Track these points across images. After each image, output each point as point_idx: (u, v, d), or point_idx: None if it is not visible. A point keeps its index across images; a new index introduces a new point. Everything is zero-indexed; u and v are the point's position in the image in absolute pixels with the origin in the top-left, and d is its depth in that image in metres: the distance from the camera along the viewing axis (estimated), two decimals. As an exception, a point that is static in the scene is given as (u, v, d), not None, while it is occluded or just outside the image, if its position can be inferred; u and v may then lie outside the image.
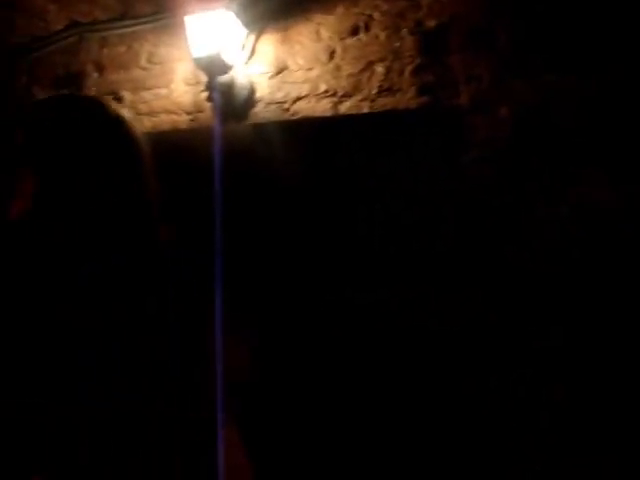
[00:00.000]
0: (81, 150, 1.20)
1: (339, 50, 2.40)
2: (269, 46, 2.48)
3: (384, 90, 2.33)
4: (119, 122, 1.32)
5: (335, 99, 2.37)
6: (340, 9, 2.42)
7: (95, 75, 2.66)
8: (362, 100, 2.35)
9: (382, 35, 2.36)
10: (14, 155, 1.22)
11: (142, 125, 2.55)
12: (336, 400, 2.14)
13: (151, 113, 2.57)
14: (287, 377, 2.19)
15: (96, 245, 1.17)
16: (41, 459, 1.13)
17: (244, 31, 2.46)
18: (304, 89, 2.41)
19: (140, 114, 2.55)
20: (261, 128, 2.43)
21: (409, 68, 2.32)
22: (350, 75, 2.37)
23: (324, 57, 2.41)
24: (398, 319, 2.15)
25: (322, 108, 2.38)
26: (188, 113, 2.54)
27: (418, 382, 2.09)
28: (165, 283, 1.20)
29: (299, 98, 2.42)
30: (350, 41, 2.39)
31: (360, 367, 2.12)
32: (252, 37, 2.48)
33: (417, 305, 2.15)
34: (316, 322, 2.20)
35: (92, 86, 2.64)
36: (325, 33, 2.42)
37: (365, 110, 2.33)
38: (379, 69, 2.34)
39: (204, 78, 2.47)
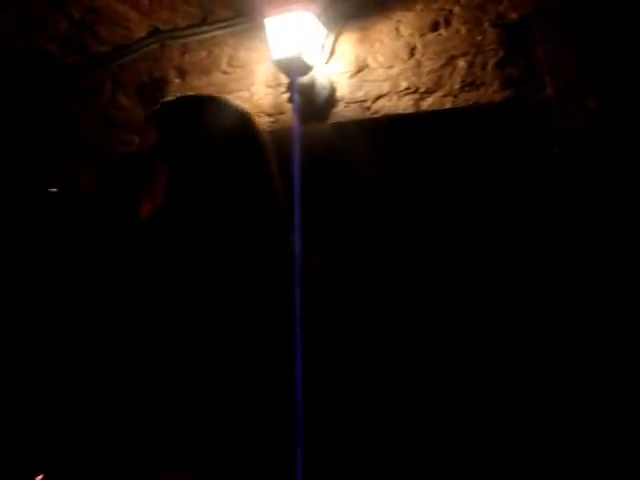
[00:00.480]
0: (214, 148, 1.21)
1: (419, 46, 2.39)
2: (348, 45, 2.49)
3: (467, 85, 2.31)
4: (248, 120, 1.32)
5: (417, 96, 2.37)
6: (419, 5, 2.41)
7: (177, 81, 2.72)
8: (444, 96, 2.33)
9: (463, 29, 2.34)
10: (146, 155, 1.23)
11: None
12: (396, 402, 2.14)
13: (233, 116, 2.61)
14: (346, 380, 2.20)
15: (223, 243, 1.18)
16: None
17: (323, 31, 2.47)
18: (385, 87, 2.42)
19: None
20: (342, 127, 2.44)
21: (492, 62, 2.29)
22: (431, 71, 2.36)
23: (404, 54, 2.40)
24: (463, 319, 2.14)
25: (404, 105, 2.38)
26: (269, 115, 2.58)
27: (475, 382, 2.08)
28: (286, 282, 1.21)
29: (380, 96, 2.42)
30: (430, 37, 2.38)
31: (423, 368, 2.13)
32: (331, 37, 2.50)
33: (482, 305, 2.14)
34: (378, 323, 2.21)
35: (175, 92, 2.70)
36: (405, 30, 2.41)
37: (448, 106, 2.32)
38: (461, 64, 2.32)
39: (285, 80, 2.51)
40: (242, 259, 1.15)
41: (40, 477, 1.10)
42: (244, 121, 1.29)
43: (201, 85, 2.67)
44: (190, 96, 1.37)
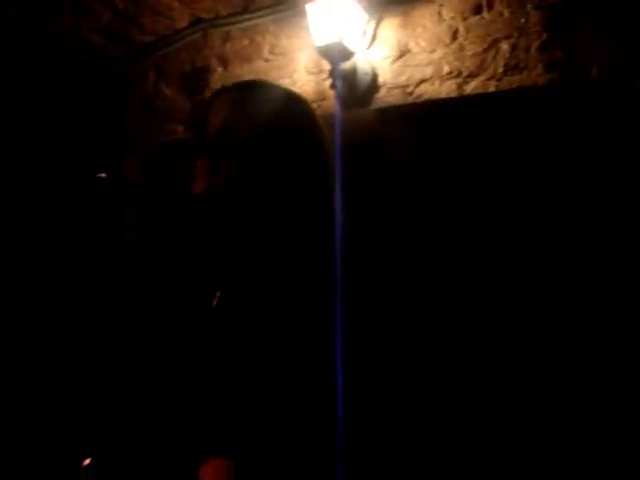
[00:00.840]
0: (274, 134, 1.22)
1: (462, 30, 2.38)
2: (390, 31, 2.49)
3: (510, 68, 2.30)
4: (305, 104, 1.35)
5: (460, 80, 2.37)
6: (462, -12, 2.40)
7: (220, 69, 2.76)
8: (487, 79, 2.33)
9: (506, 12, 2.33)
10: (212, 137, 1.26)
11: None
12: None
13: (275, 103, 2.64)
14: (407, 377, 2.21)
15: (278, 227, 1.21)
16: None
17: (365, 17, 2.48)
18: (427, 71, 2.42)
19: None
20: (385, 112, 2.45)
21: (535, 44, 2.28)
22: (474, 55, 2.36)
23: (447, 38, 2.40)
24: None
25: (446, 90, 2.38)
26: (311, 102, 2.59)
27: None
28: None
29: (422, 81, 2.42)
30: (473, 20, 2.37)
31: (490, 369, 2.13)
32: (373, 22, 2.50)
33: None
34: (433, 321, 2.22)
35: (217, 80, 2.73)
36: (447, 13, 2.41)
37: (491, 89, 2.31)
38: (504, 47, 2.31)
39: (326, 66, 2.52)
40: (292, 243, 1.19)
41: (87, 461, 1.13)
42: (301, 104, 1.32)
43: (243, 73, 2.70)
44: (246, 82, 1.38)
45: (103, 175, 2.31)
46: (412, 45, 2.45)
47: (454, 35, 2.39)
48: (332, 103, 2.56)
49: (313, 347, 1.14)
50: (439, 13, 2.42)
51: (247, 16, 2.68)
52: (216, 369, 1.16)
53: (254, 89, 1.28)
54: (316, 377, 1.12)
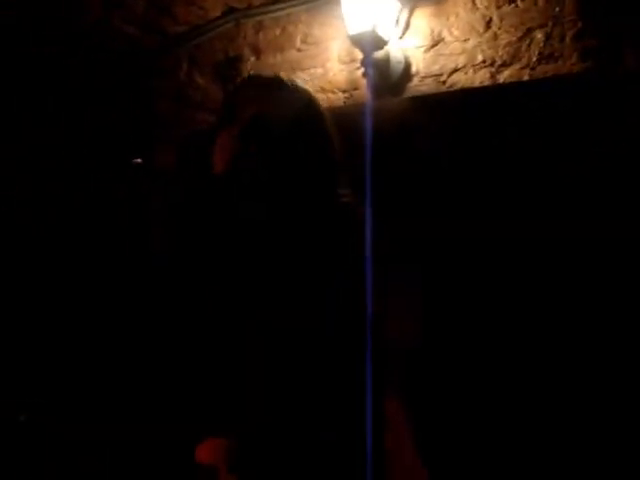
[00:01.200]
0: (284, 122, 1.33)
1: (496, 19, 2.38)
2: (423, 19, 2.50)
3: (544, 57, 2.30)
4: (318, 105, 1.48)
5: (493, 69, 2.37)
6: (495, -23, 2.40)
7: (252, 59, 2.78)
8: (521, 68, 2.33)
9: (540, 1, 2.32)
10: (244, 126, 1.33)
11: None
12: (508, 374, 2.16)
13: (307, 93, 2.66)
14: (453, 345, 2.23)
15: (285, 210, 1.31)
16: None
17: (398, 5, 2.48)
18: (460, 60, 2.42)
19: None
20: (417, 101, 2.46)
21: (570, 33, 2.27)
22: (508, 44, 2.35)
23: (480, 27, 2.40)
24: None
25: (480, 79, 2.39)
26: (344, 91, 2.61)
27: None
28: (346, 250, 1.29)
29: (455, 70, 2.43)
30: (507, 9, 2.37)
31: (532, 337, 2.14)
32: (406, 11, 2.51)
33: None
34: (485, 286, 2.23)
35: (250, 70, 2.76)
36: (481, 2, 2.41)
37: (525, 78, 2.31)
38: (538, 36, 2.31)
39: (359, 55, 2.53)
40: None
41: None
42: (309, 98, 1.45)
43: (276, 63, 2.72)
44: (277, 79, 1.47)
45: (139, 160, 2.35)
46: (445, 34, 2.45)
47: (488, 24, 2.39)
48: (364, 92, 2.57)
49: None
50: (473, 2, 2.42)
51: (280, 5, 2.70)
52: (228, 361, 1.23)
53: (280, 89, 1.39)
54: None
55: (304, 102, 1.41)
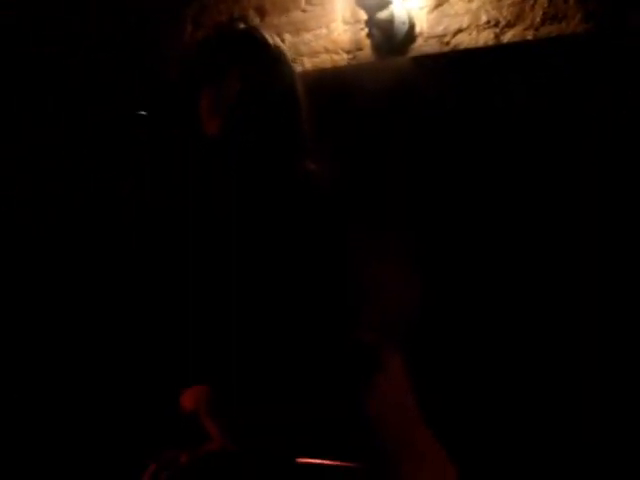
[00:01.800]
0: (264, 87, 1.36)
1: (500, -21, 2.39)
2: (427, -20, 2.50)
3: (548, 18, 2.30)
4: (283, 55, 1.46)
5: (497, 30, 2.38)
6: (501, -63, 2.40)
7: (257, 20, 2.78)
8: (525, 29, 2.33)
9: (545, -39, 2.33)
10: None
11: (303, 66, 2.66)
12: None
13: (311, 54, 2.67)
14: (453, 313, 2.25)
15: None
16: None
17: (403, -34, 2.49)
18: (464, 21, 2.42)
19: (301, 55, 2.66)
20: (421, 61, 2.47)
21: (574, -6, 2.28)
22: (512, 4, 2.36)
23: (485, -13, 2.41)
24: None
25: (484, 40, 2.39)
26: (347, 52, 2.62)
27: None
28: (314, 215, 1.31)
29: (459, 30, 2.43)
30: (512, -31, 2.38)
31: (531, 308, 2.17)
32: (410, -28, 2.51)
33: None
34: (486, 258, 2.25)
35: (255, 30, 2.76)
36: (486, -37, 2.41)
37: (529, 39, 2.32)
38: (543, -4, 2.32)
39: (363, 16, 2.53)
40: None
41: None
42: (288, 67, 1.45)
43: (280, 24, 2.72)
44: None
45: (143, 113, 2.36)
46: (450, -6, 2.46)
47: (492, -16, 2.40)
48: (368, 53, 2.58)
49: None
50: (478, -38, 2.42)
51: (285, -34, 2.70)
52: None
53: (259, 47, 1.38)
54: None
55: (284, 66, 1.42)
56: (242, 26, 1.46)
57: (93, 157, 2.86)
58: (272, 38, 1.42)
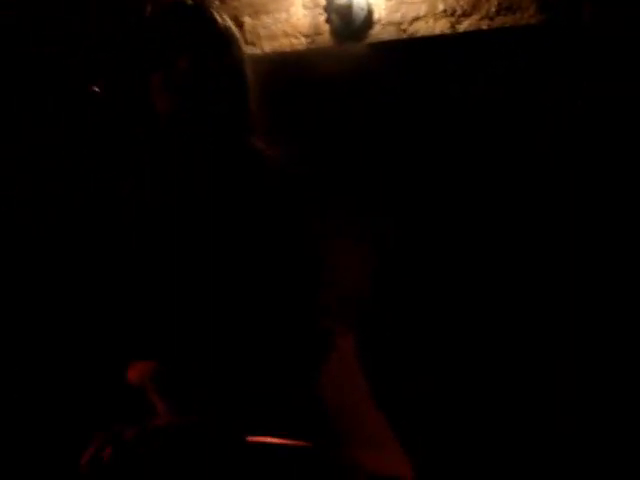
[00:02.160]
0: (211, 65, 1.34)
1: (458, -32, 2.42)
2: (387, -33, 2.52)
3: (503, 9, 2.35)
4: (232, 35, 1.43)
5: (453, 19, 2.41)
6: None
7: (217, 3, 2.76)
8: (481, 19, 2.37)
9: (502, -48, 2.37)
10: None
11: (262, 49, 2.66)
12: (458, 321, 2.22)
13: (271, 37, 2.67)
14: (405, 294, 2.28)
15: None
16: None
17: (362, -48, 2.50)
18: (422, 9, 2.45)
19: (260, 38, 2.66)
20: (378, 47, 2.49)
21: (529, -15, 2.32)
22: (469, -7, 2.40)
23: (442, -24, 2.43)
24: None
25: (440, 28, 2.43)
26: (306, 36, 2.62)
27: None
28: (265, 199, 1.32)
29: (417, 18, 2.46)
30: (469, -41, 2.41)
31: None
32: (369, -42, 2.52)
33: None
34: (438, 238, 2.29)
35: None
36: (444, -48, 2.44)
37: (484, 28, 2.36)
38: (499, -13, 2.36)
39: (322, 1, 2.54)
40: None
41: None
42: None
43: (241, 6, 2.71)
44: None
45: (96, 89, 2.32)
46: (408, -18, 2.48)
47: (450, -27, 2.43)
48: (326, 38, 2.59)
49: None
50: (436, -49, 2.45)
51: (246, -52, 2.68)
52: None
53: (209, 39, 1.35)
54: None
55: (231, 45, 1.39)
56: (190, 3, 1.41)
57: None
58: (221, 17, 1.40)
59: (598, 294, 2.09)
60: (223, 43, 1.35)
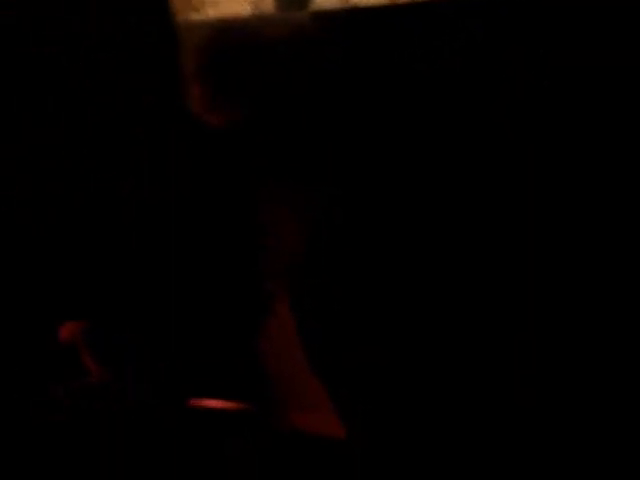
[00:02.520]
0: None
1: (401, -64, 2.42)
2: None
3: (454, -23, 2.37)
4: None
5: (396, -11, 2.42)
6: None
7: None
8: (429, -12, 2.39)
9: None
10: None
11: (206, 14, 2.63)
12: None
13: (214, 3, 2.64)
14: (346, 254, 2.34)
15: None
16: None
17: None
18: (368, -22, 2.46)
19: (204, 4, 2.63)
20: (322, 16, 2.49)
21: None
22: (412, -37, 2.41)
23: (387, -57, 2.44)
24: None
25: (386, -2, 2.44)
26: (250, 2, 2.61)
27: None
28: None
29: (362, -13, 2.47)
30: None
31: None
32: None
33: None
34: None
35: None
36: None
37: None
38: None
39: (266, -35, 2.53)
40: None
41: None
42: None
43: (184, -31, 2.67)
44: None
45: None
46: (353, -52, 2.48)
47: (394, -60, 2.43)
48: (270, 4, 2.58)
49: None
50: None
51: None
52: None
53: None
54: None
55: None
56: None
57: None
58: None
59: (556, 266, 2.17)
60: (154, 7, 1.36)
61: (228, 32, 2.71)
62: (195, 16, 2.55)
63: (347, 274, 2.34)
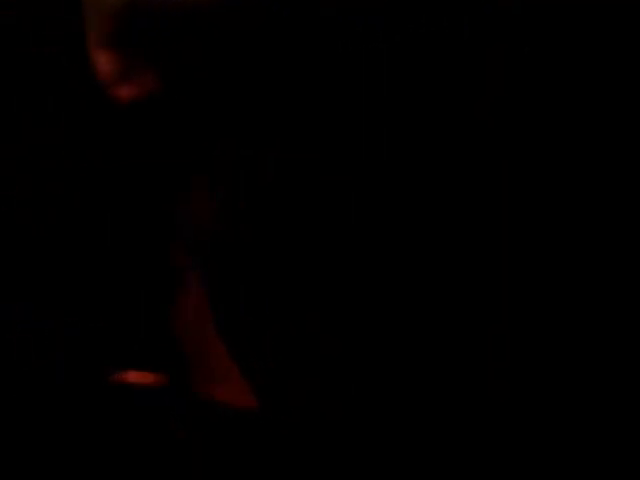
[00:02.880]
0: None
1: None
2: None
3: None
4: None
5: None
6: None
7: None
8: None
9: None
10: None
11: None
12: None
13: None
14: (258, 231, 2.15)
15: None
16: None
17: None
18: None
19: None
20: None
21: None
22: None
23: None
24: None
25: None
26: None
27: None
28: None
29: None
30: None
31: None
32: None
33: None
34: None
35: None
36: None
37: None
38: None
39: None
40: None
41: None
42: None
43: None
44: None
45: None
46: None
47: None
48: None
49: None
50: None
51: None
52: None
53: None
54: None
55: None
56: None
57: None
58: None
59: (530, 263, 2.08)
60: None
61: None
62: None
63: (261, 250, 2.20)
